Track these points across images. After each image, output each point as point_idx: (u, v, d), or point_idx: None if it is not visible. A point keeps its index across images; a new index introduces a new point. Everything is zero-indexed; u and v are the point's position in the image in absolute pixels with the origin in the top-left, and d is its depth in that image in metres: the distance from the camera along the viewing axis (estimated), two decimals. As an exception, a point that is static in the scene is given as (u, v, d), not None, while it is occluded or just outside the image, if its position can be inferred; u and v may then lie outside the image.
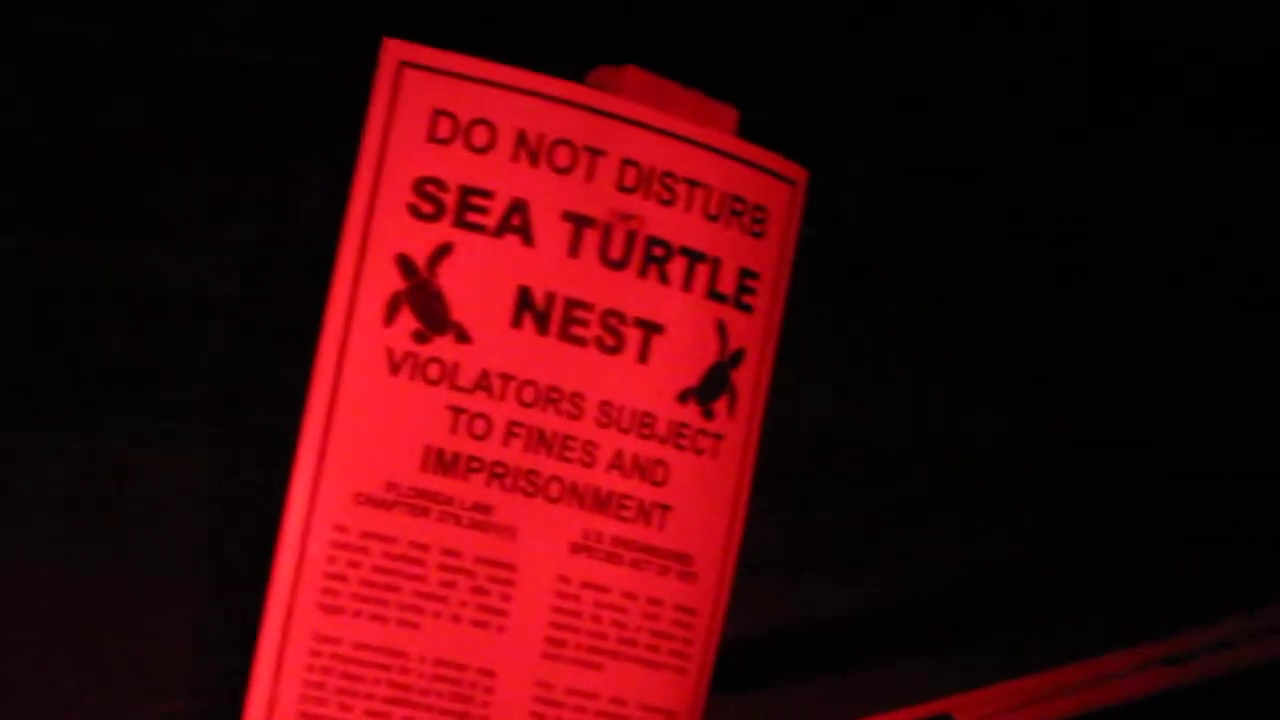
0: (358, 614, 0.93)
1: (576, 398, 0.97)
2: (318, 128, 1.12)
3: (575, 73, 0.99)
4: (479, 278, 0.95)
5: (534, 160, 0.96)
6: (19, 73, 1.21)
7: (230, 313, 1.14)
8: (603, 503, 0.97)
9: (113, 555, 1.37)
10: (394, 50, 0.95)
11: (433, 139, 0.95)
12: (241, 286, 1.16)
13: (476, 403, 0.95)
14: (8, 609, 1.32)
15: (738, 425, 1.02)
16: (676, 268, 1.00)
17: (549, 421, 0.97)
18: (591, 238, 0.97)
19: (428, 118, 0.95)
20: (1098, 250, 1.30)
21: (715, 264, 1.01)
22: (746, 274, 1.02)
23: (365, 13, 1.13)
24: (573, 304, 0.96)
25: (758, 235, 1.02)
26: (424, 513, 0.94)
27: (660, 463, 0.99)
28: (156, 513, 1.37)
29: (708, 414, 1.01)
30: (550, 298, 0.96)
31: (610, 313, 0.97)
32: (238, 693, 0.93)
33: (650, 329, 0.98)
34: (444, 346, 0.94)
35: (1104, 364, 1.30)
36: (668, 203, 0.98)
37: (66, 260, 1.34)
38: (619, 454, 0.98)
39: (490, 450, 0.95)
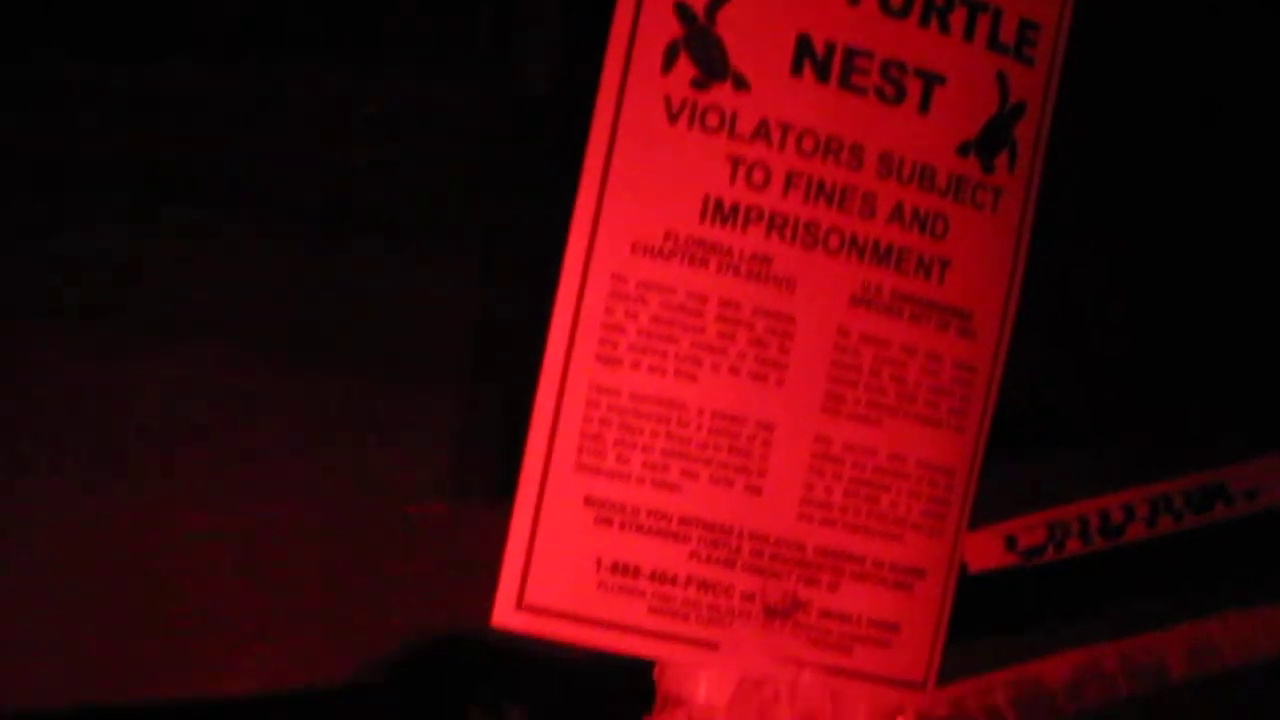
0: (635, 365, 0.92)
1: (856, 148, 0.94)
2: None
3: None
4: (758, 25, 0.92)
5: (814, -96, 0.93)
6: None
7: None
8: (882, 255, 0.95)
9: (366, 361, 1.38)
10: None
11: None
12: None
13: (755, 152, 0.92)
14: (260, 416, 1.34)
15: (1017, 181, 0.99)
16: (958, 17, 0.96)
17: (828, 172, 0.94)
18: (872, -16, 0.94)
19: None
20: None
21: (996, 14, 0.97)
22: (1027, 25, 0.98)
23: None
24: (853, 53, 0.93)
25: (1040, -17, 0.98)
26: (702, 263, 0.92)
27: (940, 216, 0.96)
28: (415, 322, 1.37)
29: (987, 168, 0.98)
30: (830, 46, 0.93)
31: (890, 62, 0.94)
32: (498, 494, 0.92)
33: (931, 79, 0.95)
34: (722, 94, 0.92)
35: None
36: None
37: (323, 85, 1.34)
38: (899, 206, 0.95)
39: (769, 201, 0.93)
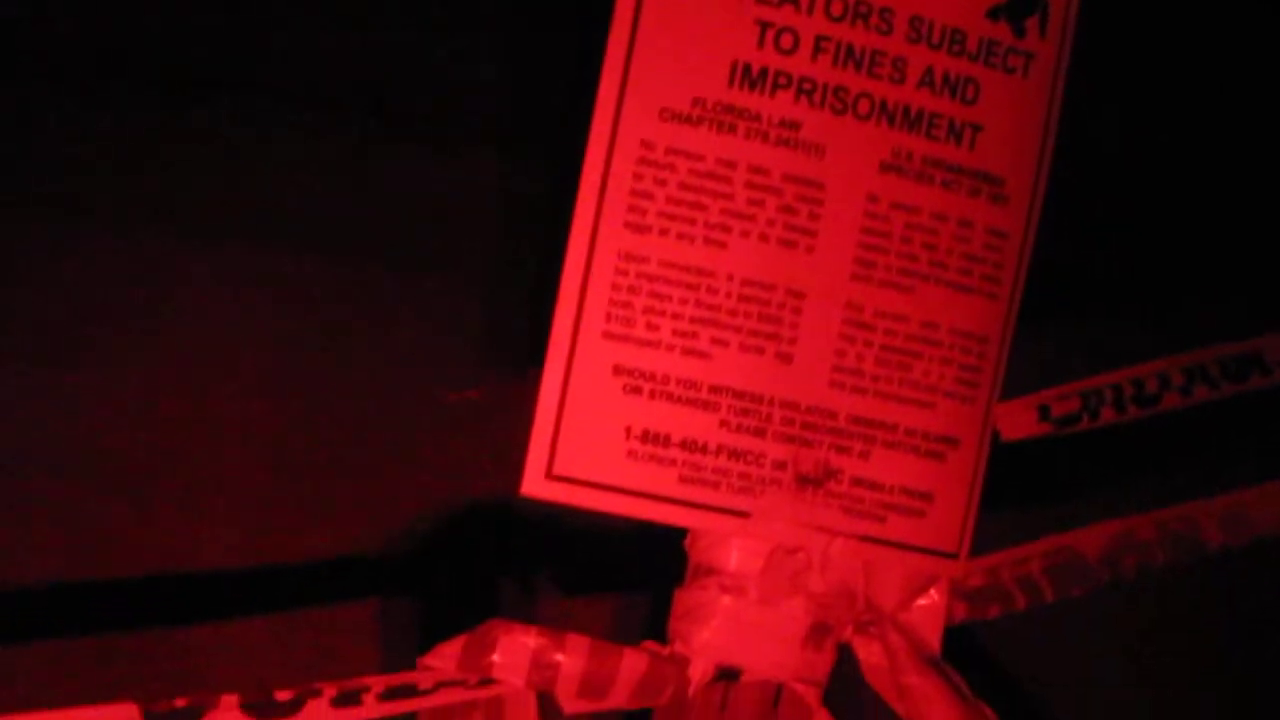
0: (664, 232, 0.91)
1: (885, 12, 0.93)
2: None
3: None
4: (780, -118, 0.90)
5: None
6: None
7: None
8: (913, 121, 0.93)
9: (394, 248, 1.37)
10: None
11: None
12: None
13: (783, 16, 0.91)
14: (289, 304, 1.33)
15: (1049, 45, 0.97)
16: (987, -121, 0.94)
17: (858, 36, 0.93)
18: None
19: None
20: None
21: (1027, -126, 0.95)
22: (1058, -118, 0.96)
23: None
24: (881, -85, 0.91)
25: None
26: (731, 129, 0.91)
27: (971, 81, 0.95)
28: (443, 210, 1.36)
29: (1019, 32, 0.96)
30: (857, -92, 0.91)
31: (919, -75, 0.92)
32: (531, 368, 0.91)
33: (960, -58, 0.93)
34: (749, -43, 0.90)
35: None
36: None
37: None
38: (929, 71, 0.94)
39: (798, 65, 0.92)
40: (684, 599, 0.96)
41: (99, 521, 1.25)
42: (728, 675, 0.95)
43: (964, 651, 1.05)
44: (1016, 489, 1.10)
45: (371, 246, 1.36)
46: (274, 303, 1.35)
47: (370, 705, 0.87)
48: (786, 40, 0.93)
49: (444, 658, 0.91)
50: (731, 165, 0.92)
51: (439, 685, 0.89)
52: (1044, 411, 1.08)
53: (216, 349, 1.32)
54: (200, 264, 1.34)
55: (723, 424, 0.93)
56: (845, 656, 1.01)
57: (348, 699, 0.86)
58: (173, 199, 1.32)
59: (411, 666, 0.91)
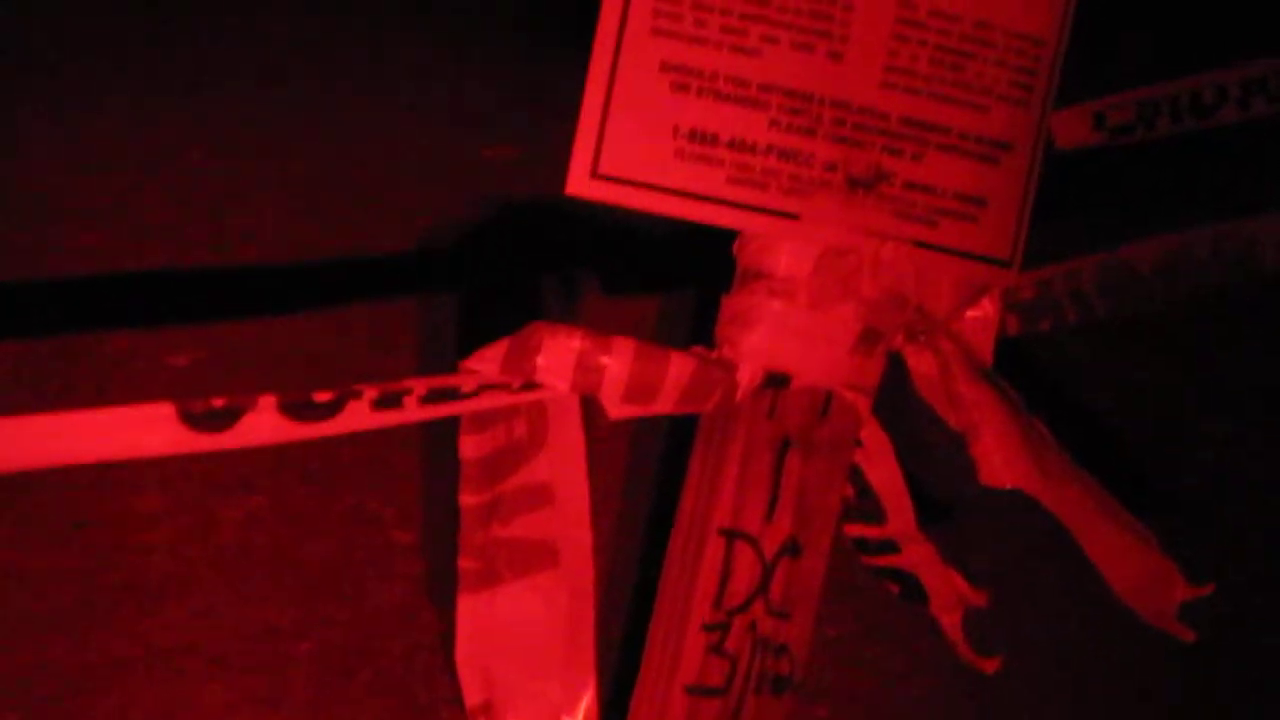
0: (712, -78, 0.87)
1: None
2: None
3: None
4: None
5: None
6: None
7: None
8: None
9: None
10: None
11: None
12: None
13: None
14: (324, 63, 1.29)
15: None
16: None
17: None
18: None
19: None
20: None
21: None
22: None
23: None
24: None
25: None
26: None
27: None
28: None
29: None
30: None
31: None
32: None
33: None
34: None
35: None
36: None
37: None
38: None
39: None
40: (732, 303, 0.94)
41: (136, 215, 1.23)
42: (776, 381, 0.93)
43: (1015, 366, 1.03)
44: (1070, 200, 1.06)
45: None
46: (321, 61, 1.31)
47: (411, 408, 0.84)
48: None
49: (486, 361, 0.89)
50: None
51: (481, 388, 0.87)
52: (1099, 119, 1.05)
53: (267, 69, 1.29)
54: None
55: (772, 123, 0.90)
56: (895, 366, 0.99)
57: (388, 402, 0.83)
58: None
59: (452, 370, 0.88)
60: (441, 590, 1.05)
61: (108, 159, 1.22)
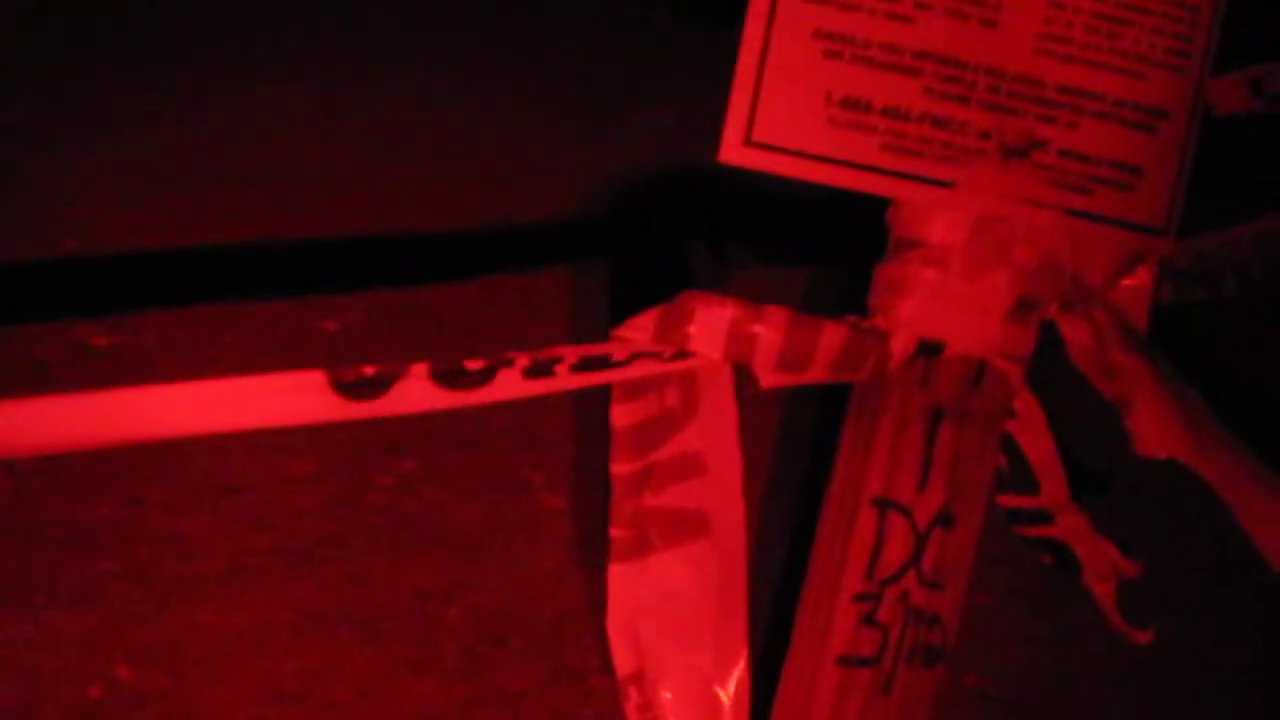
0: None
1: None
2: None
3: None
4: None
5: None
6: None
7: None
8: None
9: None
10: None
11: None
12: None
13: None
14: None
15: None
16: None
17: None
18: None
19: None
20: None
21: None
22: None
23: None
24: None
25: None
26: None
27: None
28: None
29: None
30: None
31: None
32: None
33: None
34: None
35: None
36: None
37: None
38: None
39: None
40: (886, 272, 0.93)
41: (289, 180, 1.24)
42: (929, 350, 0.92)
43: (1170, 336, 1.02)
44: (1228, 168, 1.05)
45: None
46: (476, 21, 1.32)
47: (563, 376, 0.85)
48: None
49: (638, 329, 0.89)
50: None
51: (633, 357, 0.87)
52: (1257, 86, 1.03)
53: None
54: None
55: (926, 90, 0.89)
56: (1049, 335, 0.98)
57: (540, 370, 0.84)
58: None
59: (604, 338, 0.89)
60: (591, 557, 1.05)
61: (258, 126, 1.23)
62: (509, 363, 0.82)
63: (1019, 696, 1.23)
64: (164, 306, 1.17)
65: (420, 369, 0.79)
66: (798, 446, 1.20)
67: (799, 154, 0.87)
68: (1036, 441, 1.00)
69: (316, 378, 0.78)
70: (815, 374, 0.89)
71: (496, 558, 1.17)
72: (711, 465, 0.96)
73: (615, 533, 0.99)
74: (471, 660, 1.16)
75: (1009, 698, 1.23)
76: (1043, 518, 1.02)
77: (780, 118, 0.87)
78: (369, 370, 0.79)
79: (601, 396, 0.98)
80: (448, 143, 1.25)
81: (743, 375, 0.90)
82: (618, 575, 1.00)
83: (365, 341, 1.19)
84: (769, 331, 0.87)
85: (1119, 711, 1.25)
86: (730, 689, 0.99)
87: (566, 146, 1.28)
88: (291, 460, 1.18)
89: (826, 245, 1.20)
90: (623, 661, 1.00)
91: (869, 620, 0.94)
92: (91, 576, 1.15)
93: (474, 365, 0.81)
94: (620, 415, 0.98)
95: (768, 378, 0.88)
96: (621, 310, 0.89)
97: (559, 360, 0.83)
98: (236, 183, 1.21)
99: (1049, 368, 0.97)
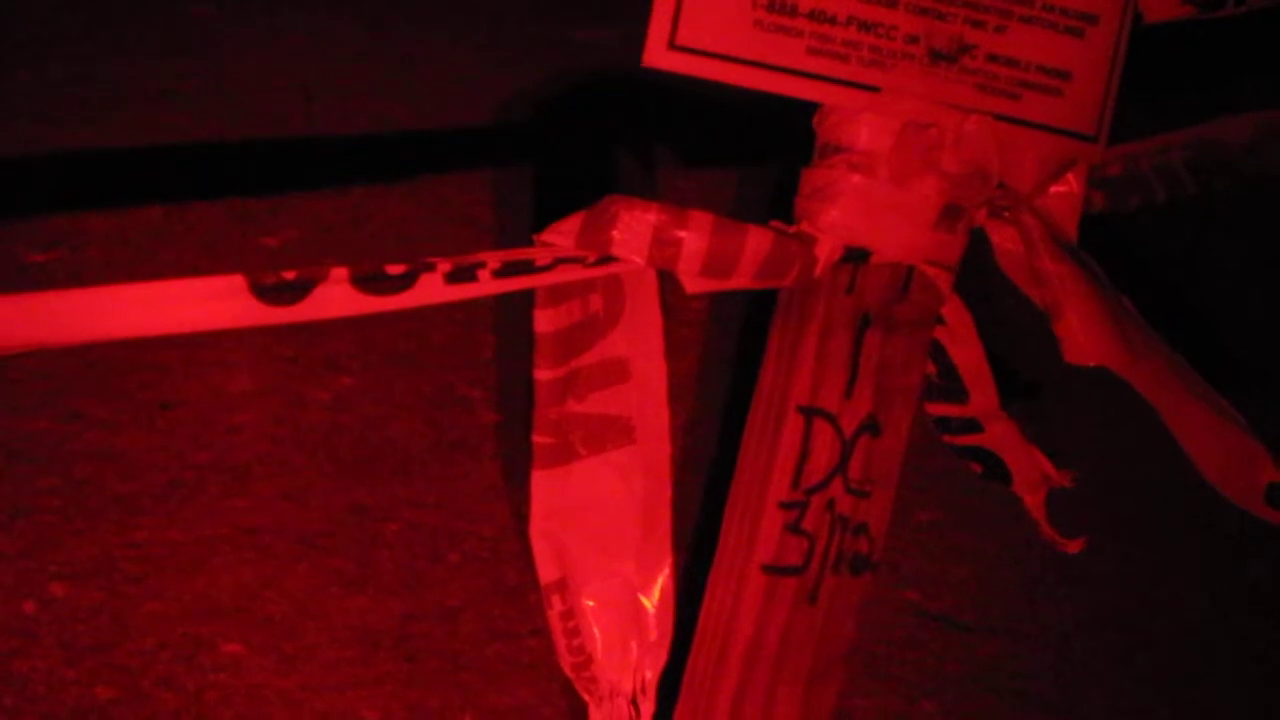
0: None
1: None
2: None
3: None
4: None
5: None
6: None
7: None
8: None
9: None
10: None
11: None
12: None
13: None
14: None
15: None
16: None
17: None
18: None
19: None
20: None
21: None
22: None
23: None
24: None
25: None
26: None
27: None
28: None
29: None
30: None
31: None
32: None
33: None
34: None
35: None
36: None
37: None
38: None
39: None
40: (811, 177, 0.92)
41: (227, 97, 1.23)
42: (856, 256, 0.92)
43: (1102, 243, 1.01)
44: (1158, 75, 1.04)
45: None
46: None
47: (485, 281, 0.84)
48: None
49: (561, 234, 0.88)
50: None
51: (556, 262, 0.86)
52: (1188, -8, 1.02)
53: None
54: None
55: (853, -7, 0.88)
56: (977, 242, 0.97)
57: (462, 275, 0.83)
58: None
59: (527, 243, 0.88)
60: (526, 471, 1.05)
61: (198, 41, 1.22)
62: (430, 267, 0.81)
63: (957, 612, 1.23)
64: (106, 210, 1.16)
65: (340, 273, 0.78)
66: (725, 357, 1.20)
67: (724, 57, 0.87)
68: (965, 349, 1.00)
69: (236, 281, 0.77)
70: (740, 279, 0.88)
71: (435, 475, 1.17)
72: (636, 372, 0.96)
73: (538, 439, 0.99)
74: (409, 576, 1.16)
75: (947, 613, 1.23)
76: (972, 426, 1.02)
77: (705, 21, 0.86)
78: (289, 274, 0.78)
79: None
80: (387, 57, 1.24)
81: (668, 279, 0.89)
82: (540, 482, 0.99)
83: (308, 256, 1.18)
84: (693, 236, 0.86)
85: (1055, 627, 1.25)
86: (654, 597, 0.98)
87: (507, 62, 1.27)
88: (229, 376, 1.18)
89: (754, 150, 1.19)
90: (545, 569, 1.00)
91: (795, 528, 0.93)
92: (28, 493, 1.14)
93: (395, 270, 0.80)
94: (544, 321, 0.98)
95: (692, 283, 0.88)
96: (547, 216, 0.88)
97: (481, 265, 0.82)
98: (171, 98, 1.20)
99: (978, 275, 0.96)
